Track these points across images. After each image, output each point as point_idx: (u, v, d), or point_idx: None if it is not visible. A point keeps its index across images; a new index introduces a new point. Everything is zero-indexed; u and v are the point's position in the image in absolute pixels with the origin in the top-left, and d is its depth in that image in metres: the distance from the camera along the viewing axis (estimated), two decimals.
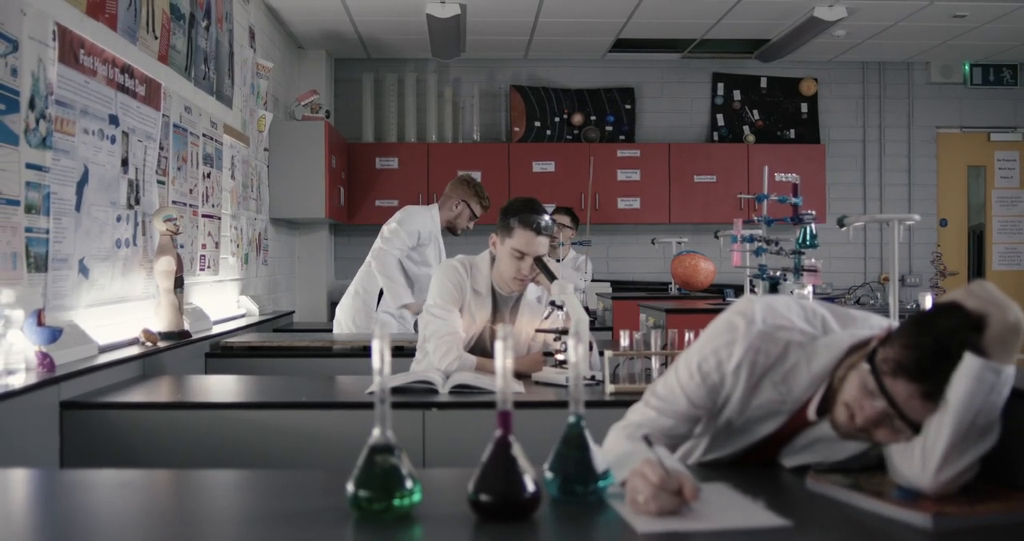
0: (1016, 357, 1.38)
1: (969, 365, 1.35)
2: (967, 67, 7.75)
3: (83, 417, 2.47)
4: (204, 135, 4.38)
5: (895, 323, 1.54)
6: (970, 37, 6.88)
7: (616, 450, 1.55)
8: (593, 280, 5.98)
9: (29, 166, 2.61)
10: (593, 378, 2.78)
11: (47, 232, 2.73)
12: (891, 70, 7.78)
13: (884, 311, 3.70)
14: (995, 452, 1.40)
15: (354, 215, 7.08)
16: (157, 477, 1.84)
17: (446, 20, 5.93)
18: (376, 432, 1.35)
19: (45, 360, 2.44)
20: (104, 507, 1.59)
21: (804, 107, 7.72)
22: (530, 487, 1.34)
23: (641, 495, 1.35)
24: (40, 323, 2.45)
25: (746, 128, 7.66)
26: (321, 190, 6.04)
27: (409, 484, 1.34)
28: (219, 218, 4.67)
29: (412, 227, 4.77)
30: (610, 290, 6.33)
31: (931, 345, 1.37)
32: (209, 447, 2.49)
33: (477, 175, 7.14)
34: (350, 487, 1.35)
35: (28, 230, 2.61)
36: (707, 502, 1.39)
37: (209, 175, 4.47)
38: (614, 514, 1.38)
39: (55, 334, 2.47)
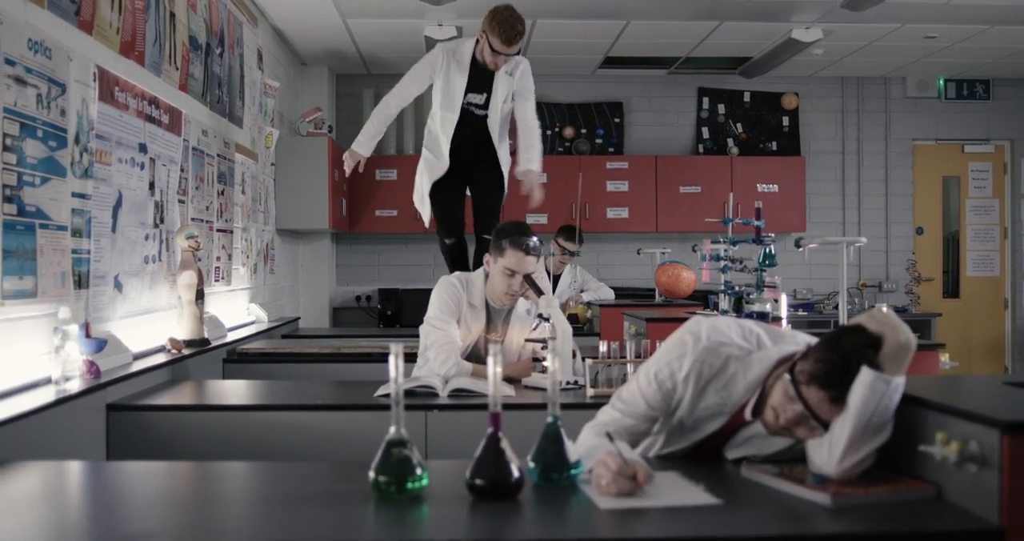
0: (905, 370, 1.72)
1: (865, 376, 1.68)
2: (942, 82, 8.09)
3: (126, 417, 2.80)
4: (218, 155, 4.71)
5: (815, 340, 1.88)
6: (943, 55, 7.23)
7: (586, 444, 1.89)
8: (581, 290, 6.30)
9: (75, 195, 2.94)
10: (576, 382, 3.12)
11: (88, 253, 3.06)
12: (869, 85, 8.12)
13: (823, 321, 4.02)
14: (889, 446, 1.74)
15: (355, 225, 7.40)
16: (192, 467, 2.17)
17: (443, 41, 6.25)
18: (392, 429, 1.69)
19: (92, 368, 2.77)
20: (144, 491, 1.94)
21: (785, 120, 8.06)
22: (515, 474, 1.68)
23: (603, 480, 1.68)
24: (88, 335, 2.78)
25: (730, 141, 8.00)
26: (324, 202, 6.37)
27: (419, 471, 1.68)
28: (231, 232, 5.00)
29: (422, 70, 4.41)
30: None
31: (837, 360, 1.71)
32: (235, 444, 2.82)
33: None
34: (371, 474, 1.68)
35: (74, 252, 2.94)
36: (658, 486, 1.72)
37: (223, 192, 4.80)
38: (583, 496, 1.71)
39: (101, 345, 2.81)
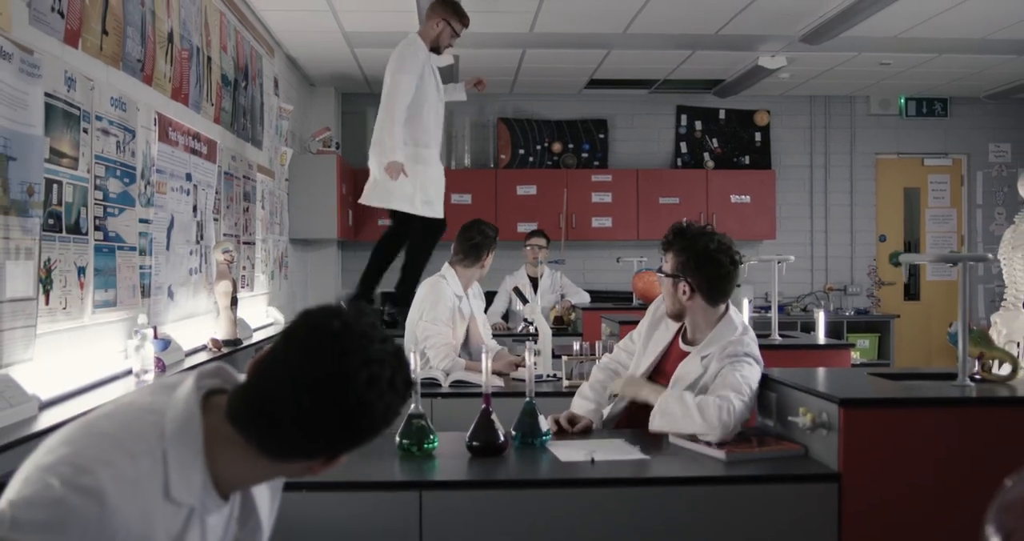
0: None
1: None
2: (902, 100, 8.74)
3: None
4: (243, 176, 5.33)
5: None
6: (901, 77, 7.87)
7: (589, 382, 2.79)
8: (562, 295, 6.94)
9: (140, 221, 3.57)
10: (554, 375, 3.76)
11: (150, 268, 3.69)
12: (835, 103, 8.77)
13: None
14: (773, 418, 2.38)
15: (359, 233, 8.02)
16: None
17: (441, 69, 6.88)
18: (413, 406, 2.32)
19: (159, 363, 3.40)
20: None
21: (758, 136, 8.71)
22: (502, 438, 2.32)
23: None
24: (156, 337, 3.41)
25: (706, 155, 8.65)
26: (333, 213, 7.00)
27: (432, 436, 2.32)
28: (253, 243, 5.62)
29: (415, 66, 5.15)
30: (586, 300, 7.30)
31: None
32: None
33: (467, 198, 8.12)
34: (397, 438, 2.32)
35: (140, 267, 3.57)
36: (606, 447, 2.37)
37: (247, 209, 5.43)
38: (550, 454, 2.36)
39: (166, 344, 3.44)
